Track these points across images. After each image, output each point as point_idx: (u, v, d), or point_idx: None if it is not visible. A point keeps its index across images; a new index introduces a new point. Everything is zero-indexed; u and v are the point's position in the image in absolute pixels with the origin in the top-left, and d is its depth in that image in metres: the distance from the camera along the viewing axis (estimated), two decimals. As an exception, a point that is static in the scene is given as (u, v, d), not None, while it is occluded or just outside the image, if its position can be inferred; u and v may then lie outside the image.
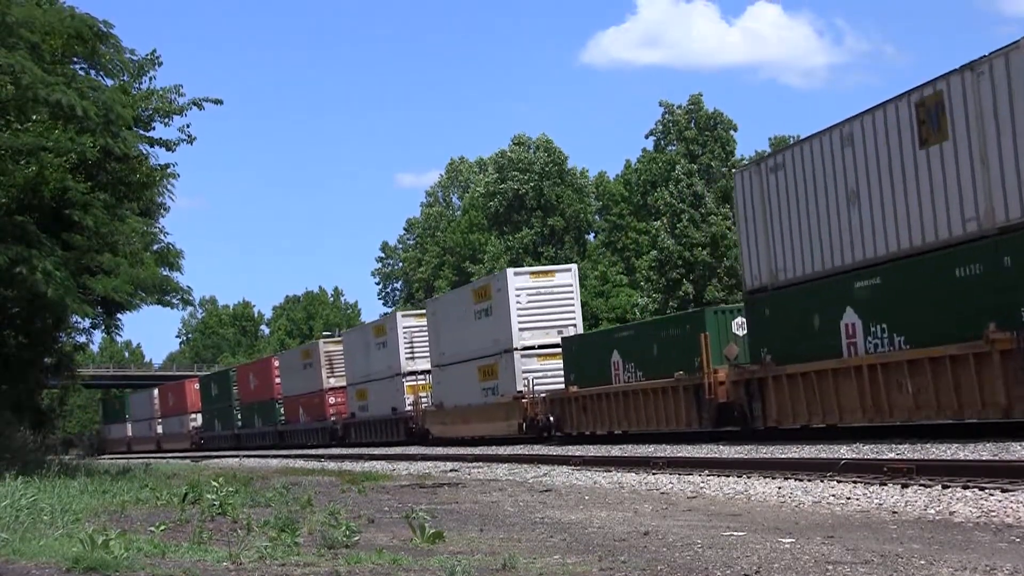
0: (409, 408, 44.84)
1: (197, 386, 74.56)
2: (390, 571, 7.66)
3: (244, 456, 49.10)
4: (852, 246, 21.79)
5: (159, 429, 79.96)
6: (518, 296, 35.85)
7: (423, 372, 44.48)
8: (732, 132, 73.95)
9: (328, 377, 54.29)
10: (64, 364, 30.55)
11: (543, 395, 34.47)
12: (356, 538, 9.17)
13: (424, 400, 43.74)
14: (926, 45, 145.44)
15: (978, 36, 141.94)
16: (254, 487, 17.78)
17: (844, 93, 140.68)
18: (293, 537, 9.14)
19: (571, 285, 36.74)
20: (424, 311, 46.23)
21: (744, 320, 26.13)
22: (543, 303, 36.03)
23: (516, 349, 35.67)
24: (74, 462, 29.41)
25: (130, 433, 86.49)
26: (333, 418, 53.30)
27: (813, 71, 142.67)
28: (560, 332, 35.42)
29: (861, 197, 21.46)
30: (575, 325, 36.11)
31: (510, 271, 37.64)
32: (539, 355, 35.68)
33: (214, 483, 15.70)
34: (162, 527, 10.51)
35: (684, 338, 27.43)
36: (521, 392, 35.11)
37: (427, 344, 43.68)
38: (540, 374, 35.18)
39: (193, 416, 73.85)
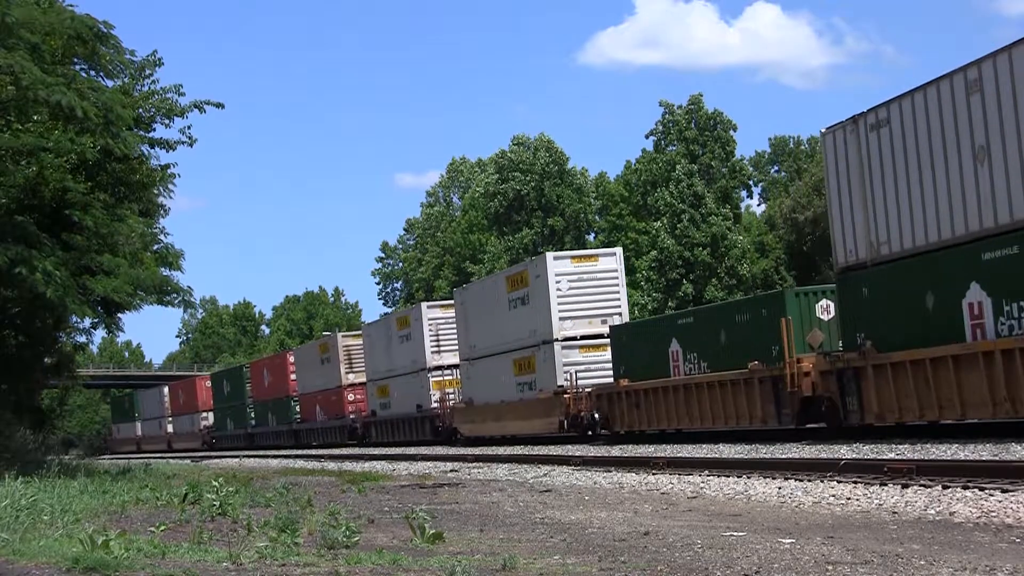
0: (435, 405, 42.23)
1: (208, 383, 72.27)
2: (390, 571, 7.66)
3: (244, 456, 48.99)
4: (980, 211, 18.57)
5: (169, 428, 77.90)
6: (558, 282, 32.96)
7: (450, 367, 42.08)
8: (732, 132, 74.06)
9: (347, 373, 51.70)
10: (64, 364, 30.52)
11: (588, 390, 31.67)
12: (356, 538, 9.17)
13: (451, 397, 41.16)
14: (926, 45, 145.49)
15: (978, 37, 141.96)
16: (254, 487, 17.78)
17: (844, 94, 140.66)
18: (293, 537, 9.15)
19: (616, 270, 33.70)
20: (451, 301, 43.38)
21: (830, 303, 23.65)
22: (586, 290, 33.13)
23: (556, 340, 32.88)
24: (74, 462, 29.41)
25: (140, 432, 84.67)
26: (352, 416, 50.77)
27: (813, 72, 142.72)
28: (604, 322, 32.77)
29: (992, 153, 18.26)
30: (620, 314, 33.24)
31: (549, 255, 34.43)
32: (581, 347, 32.87)
33: (214, 483, 15.71)
34: (162, 527, 10.52)
35: (759, 324, 24.72)
36: (562, 387, 32.37)
37: (455, 337, 41.17)
38: (583, 367, 32.50)
39: (204, 415, 71.47)
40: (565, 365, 32.61)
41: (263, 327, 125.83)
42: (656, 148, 75.62)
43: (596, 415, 31.07)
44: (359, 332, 53.85)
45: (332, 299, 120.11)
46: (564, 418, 32.04)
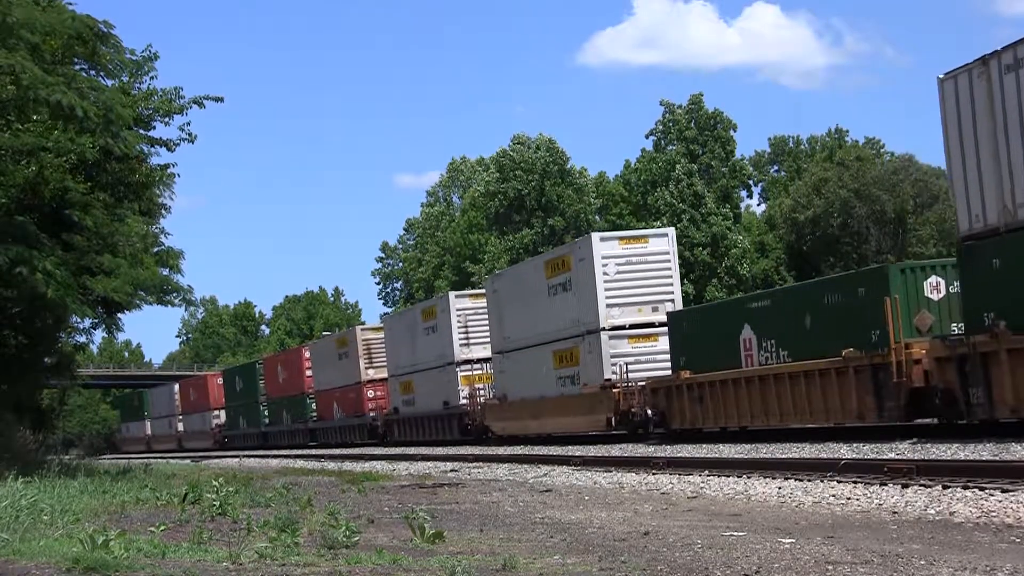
0: (464, 402, 39.18)
1: (220, 380, 69.56)
2: (390, 571, 7.66)
3: (244, 456, 48.89)
4: None
5: (180, 427, 75.54)
6: (605, 266, 29.96)
7: (480, 360, 39.09)
8: (732, 132, 74.08)
9: (367, 368, 48.70)
10: (64, 364, 30.55)
11: (641, 384, 28.76)
12: (356, 538, 9.17)
13: (482, 392, 38.23)
14: (927, 46, 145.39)
15: (977, 37, 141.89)
16: (254, 487, 17.78)
17: (844, 94, 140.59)
18: (293, 537, 9.15)
19: (668, 253, 30.70)
20: (482, 290, 40.88)
21: (939, 280, 20.73)
22: (635, 275, 30.15)
23: (603, 330, 29.89)
24: (74, 462, 29.41)
25: (149, 431, 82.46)
26: (372, 414, 48.01)
27: (812, 72, 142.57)
28: (656, 309, 29.97)
29: None
30: (673, 301, 30.31)
31: (595, 236, 31.13)
32: (630, 336, 29.98)
33: (214, 483, 15.72)
34: (162, 527, 10.51)
35: (855, 305, 21.48)
36: (610, 380, 29.37)
37: (486, 328, 38.23)
38: (632, 359, 29.59)
39: (216, 413, 68.87)
40: (613, 357, 29.72)
41: (263, 327, 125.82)
42: (656, 148, 75.64)
43: (649, 411, 28.33)
44: (379, 325, 51.17)
45: (332, 299, 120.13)
46: (612, 415, 29.18)
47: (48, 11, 20.11)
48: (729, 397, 25.28)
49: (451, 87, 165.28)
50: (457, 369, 39.87)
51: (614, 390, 29.11)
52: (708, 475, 15.86)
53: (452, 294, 42.47)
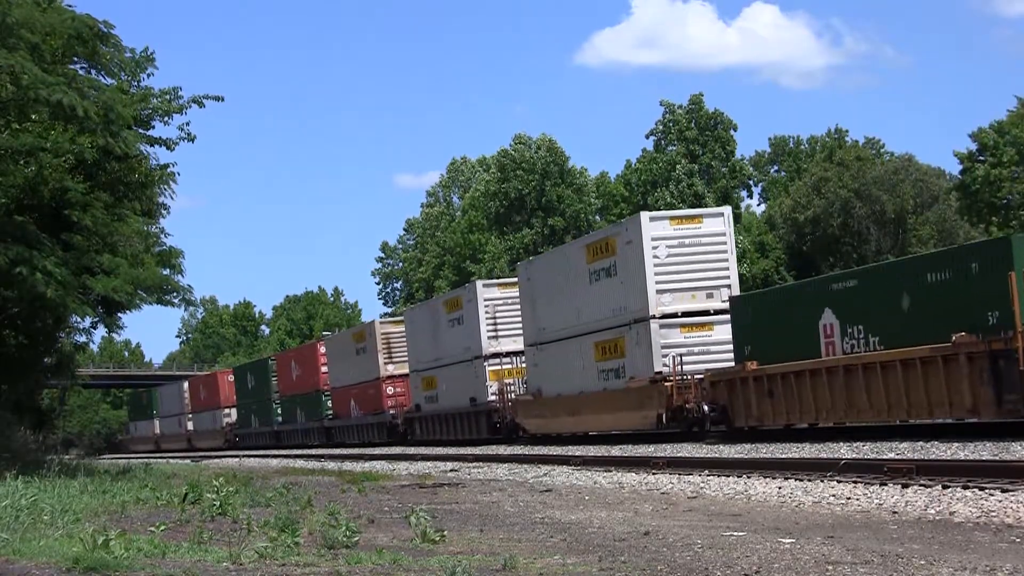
0: (493, 398, 36.68)
1: (231, 378, 67.31)
2: (390, 571, 7.66)
3: (244, 456, 48.82)
4: None
5: (189, 425, 73.37)
6: (655, 249, 27.31)
7: (510, 354, 36.60)
8: (732, 132, 74.07)
9: (386, 363, 46.21)
10: (64, 364, 30.54)
11: (699, 377, 26.13)
12: (356, 538, 9.17)
13: (512, 388, 35.83)
14: (926, 46, 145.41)
15: (977, 38, 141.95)
16: (254, 487, 17.78)
17: (843, 94, 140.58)
18: (293, 537, 9.14)
19: (724, 234, 27.94)
20: (513, 279, 38.61)
21: None
22: (688, 258, 27.51)
23: (653, 318, 27.13)
24: (74, 462, 29.42)
25: (158, 430, 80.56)
26: (392, 411, 45.55)
27: (812, 72, 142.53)
28: (710, 295, 27.43)
29: None
30: (730, 286, 27.70)
31: (644, 215, 28.31)
32: (683, 325, 27.31)
33: (214, 483, 15.72)
34: (162, 527, 10.51)
35: (966, 282, 18.90)
36: (661, 373, 26.75)
37: (516, 319, 35.95)
38: (685, 350, 26.89)
39: (227, 411, 66.69)
40: (664, 347, 27.05)
41: (263, 327, 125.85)
42: (656, 148, 75.64)
43: (704, 407, 25.69)
44: (400, 318, 48.67)
45: (332, 299, 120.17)
46: (664, 411, 26.50)
47: (48, 11, 20.13)
48: (805, 390, 22.53)
49: (451, 87, 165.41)
50: (485, 363, 37.24)
51: (666, 384, 26.47)
52: (708, 475, 15.87)
53: (479, 283, 39.16)
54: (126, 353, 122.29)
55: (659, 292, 27.26)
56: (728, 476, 15.31)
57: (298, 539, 9.12)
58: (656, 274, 27.30)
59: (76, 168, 20.89)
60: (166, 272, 24.00)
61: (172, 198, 25.04)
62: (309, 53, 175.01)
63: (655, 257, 27.39)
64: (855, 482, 13.01)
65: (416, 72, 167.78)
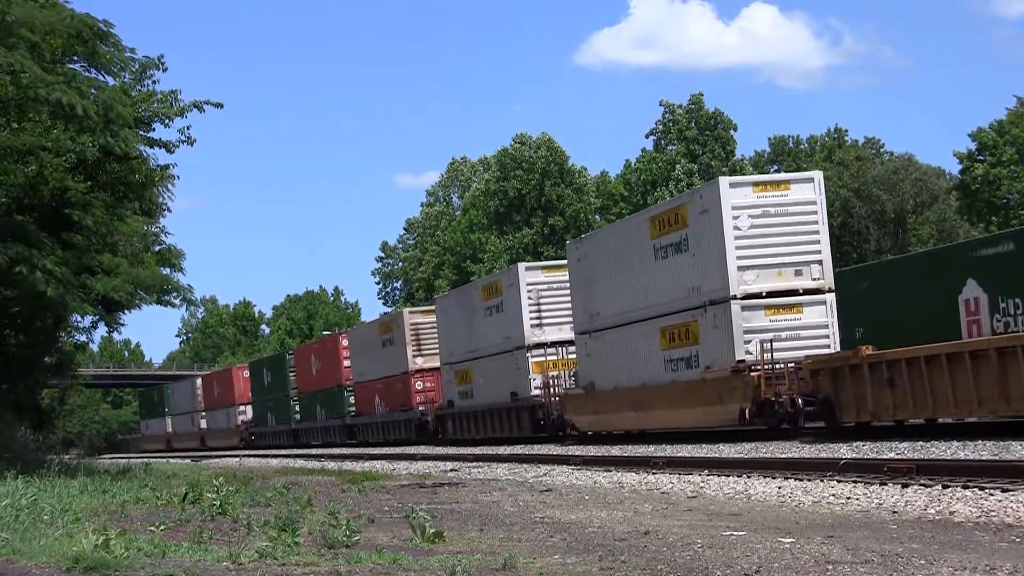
0: (537, 392, 33.49)
1: (246, 373, 64.41)
2: (390, 571, 7.65)
3: (244, 456, 48.77)
4: None
5: (203, 424, 70.69)
6: (736, 219, 24.11)
7: (556, 344, 33.75)
8: (732, 132, 74.06)
9: (415, 356, 43.18)
10: (64, 364, 30.54)
11: (792, 365, 23.00)
12: (356, 538, 9.17)
13: (557, 381, 32.78)
14: (925, 46, 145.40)
15: (976, 38, 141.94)
16: (254, 487, 17.78)
17: (843, 95, 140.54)
18: (293, 537, 9.15)
19: (815, 203, 24.57)
20: (558, 262, 35.75)
21: None
22: (774, 230, 24.23)
23: (734, 298, 23.96)
24: (74, 462, 29.43)
25: (170, 429, 78.25)
26: (421, 407, 42.57)
27: (811, 73, 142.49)
28: (799, 272, 24.24)
29: None
30: (821, 263, 24.36)
31: (724, 180, 25.01)
32: (768, 307, 24.08)
33: (214, 483, 15.73)
34: (162, 527, 10.51)
35: None
36: (744, 362, 23.72)
37: (562, 305, 33.13)
38: (771, 335, 23.53)
39: (242, 408, 63.84)
40: (747, 332, 23.93)
41: (263, 327, 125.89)
42: (656, 148, 75.63)
43: (799, 400, 22.56)
44: (430, 307, 45.22)
45: (332, 299, 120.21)
46: (749, 405, 23.34)
47: (48, 10, 20.14)
48: (940, 379, 18.90)
49: (450, 88, 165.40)
50: (528, 354, 33.94)
51: (752, 373, 23.32)
52: (708, 475, 15.87)
53: (522, 266, 35.73)
54: (126, 353, 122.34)
55: (741, 269, 24.06)
56: (728, 476, 15.32)
57: (298, 539, 9.13)
58: (737, 248, 24.01)
59: (76, 168, 20.90)
60: (166, 272, 24.03)
61: (171, 199, 25.08)
62: (309, 53, 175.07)
63: (736, 229, 24.12)
64: (855, 482, 13.01)
65: (416, 72, 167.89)
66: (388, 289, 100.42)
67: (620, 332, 28.80)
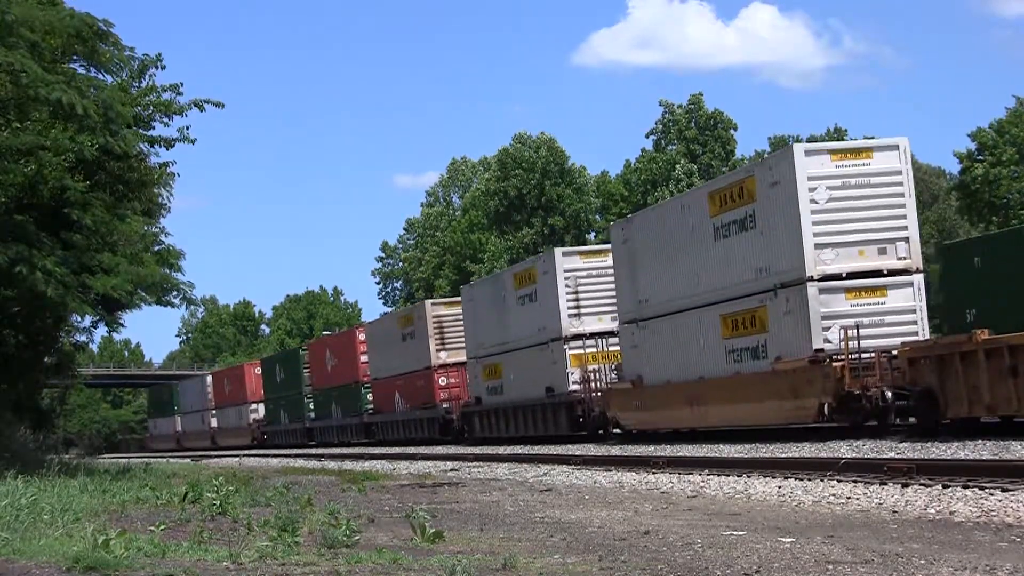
0: (575, 387, 31.10)
1: (258, 370, 62.69)
2: (390, 571, 7.65)
3: (244, 456, 48.75)
4: None
5: (213, 422, 69.19)
6: (813, 191, 21.68)
7: (595, 335, 31.45)
8: (732, 132, 74.08)
9: (438, 350, 41.06)
10: (64, 364, 30.54)
11: (886, 354, 20.56)
12: (356, 538, 9.17)
13: (598, 375, 30.33)
14: (925, 46, 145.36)
15: (975, 38, 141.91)
16: (254, 487, 17.78)
17: (842, 95, 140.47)
18: (293, 537, 9.15)
19: (900, 173, 22.11)
20: (597, 247, 34.01)
21: None
22: (856, 203, 21.88)
23: (811, 280, 21.59)
24: (74, 461, 29.43)
25: (180, 428, 77.04)
26: (445, 405, 40.46)
27: (811, 73, 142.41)
28: (883, 251, 21.82)
29: None
30: (908, 240, 21.97)
31: (798, 147, 22.48)
32: (848, 289, 21.71)
33: (214, 482, 15.72)
34: (162, 527, 10.51)
35: None
36: (822, 351, 21.40)
37: (602, 293, 31.10)
38: (852, 321, 21.20)
39: (254, 406, 62.27)
40: (825, 318, 21.60)
41: (263, 327, 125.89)
42: (656, 148, 75.65)
43: (887, 394, 20.28)
44: (454, 299, 42.99)
45: (332, 299, 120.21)
46: (829, 400, 21.01)
47: (47, 9, 20.14)
48: None
49: (449, 88, 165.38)
50: (565, 346, 31.61)
51: (834, 364, 20.98)
52: (708, 474, 15.87)
53: (558, 251, 33.02)
54: (126, 353, 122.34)
55: (818, 247, 21.68)
56: (728, 475, 15.32)
57: (298, 538, 9.13)
58: (814, 224, 21.65)
59: (76, 167, 20.89)
60: (165, 271, 24.01)
61: (171, 197, 25.08)
62: (309, 53, 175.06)
63: (813, 202, 21.71)
64: (855, 481, 13.01)
65: (416, 72, 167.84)
66: (388, 289, 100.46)
67: (673, 320, 26.50)
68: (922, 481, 12.25)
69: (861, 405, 20.57)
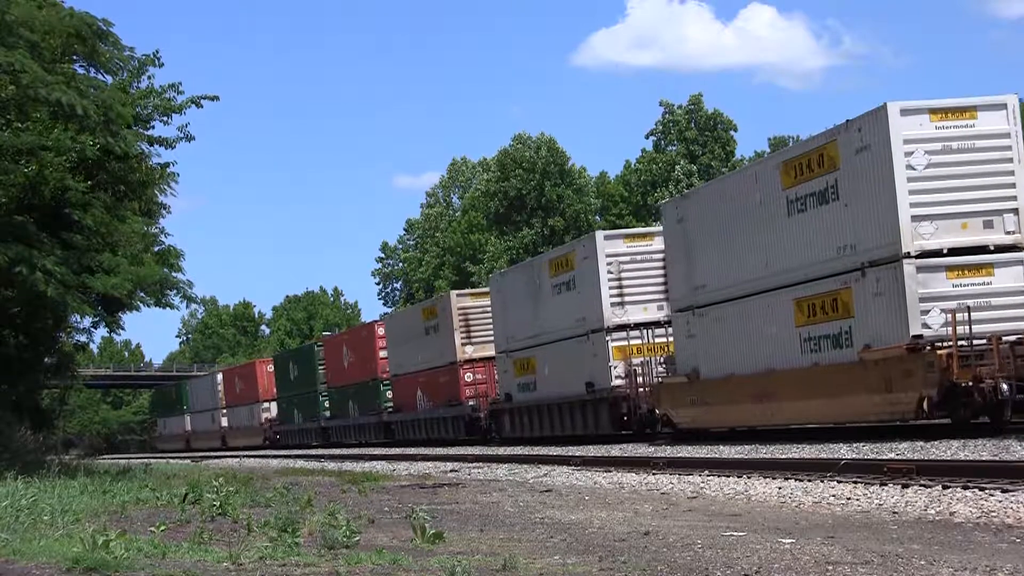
0: (619, 382, 28.44)
1: (270, 367, 60.59)
2: (390, 571, 7.65)
3: (244, 456, 48.74)
4: None
5: (223, 422, 67.29)
6: (909, 156, 19.11)
7: (639, 325, 28.73)
8: (732, 132, 74.11)
9: (464, 344, 38.65)
10: (64, 364, 30.52)
11: (1008, 340, 18.26)
12: (356, 538, 9.17)
13: (641, 369, 28.02)
14: (924, 47, 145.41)
15: (975, 38, 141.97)
16: (254, 487, 17.77)
17: (842, 95, 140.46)
18: (293, 537, 9.15)
19: (1008, 135, 19.48)
20: (640, 230, 31.72)
21: None
22: (958, 169, 19.36)
23: (907, 256, 19.05)
24: (74, 462, 29.42)
25: (189, 427, 74.99)
26: (472, 402, 38.03)
27: (810, 73, 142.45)
28: (989, 224, 19.31)
29: None
30: (1017, 212, 19.34)
31: (893, 106, 19.38)
32: (950, 267, 19.11)
33: (214, 483, 15.72)
34: (162, 527, 10.51)
35: None
36: (922, 337, 18.83)
37: (647, 280, 28.80)
38: (954, 303, 18.71)
39: (266, 405, 60.50)
40: (924, 300, 18.97)
41: (263, 327, 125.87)
42: (656, 148, 75.67)
43: (1005, 386, 17.92)
44: (481, 290, 41.10)
45: (332, 299, 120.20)
46: (932, 393, 18.42)
47: (47, 9, 20.16)
48: None
49: (447, 89, 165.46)
50: (607, 338, 28.83)
51: (938, 352, 18.43)
52: (708, 475, 15.87)
53: (599, 234, 30.11)
54: (126, 353, 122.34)
55: (916, 219, 19.10)
56: (728, 476, 15.31)
57: (298, 539, 9.13)
58: (911, 193, 19.07)
59: (77, 167, 20.91)
60: (165, 271, 24.02)
61: (173, 195, 25.08)
62: (308, 53, 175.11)
63: (909, 168, 19.10)
64: (855, 482, 13.01)
65: (415, 72, 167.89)
66: (388, 290, 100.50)
67: (735, 307, 23.94)
68: (922, 482, 12.24)
69: (972, 399, 18.20)
